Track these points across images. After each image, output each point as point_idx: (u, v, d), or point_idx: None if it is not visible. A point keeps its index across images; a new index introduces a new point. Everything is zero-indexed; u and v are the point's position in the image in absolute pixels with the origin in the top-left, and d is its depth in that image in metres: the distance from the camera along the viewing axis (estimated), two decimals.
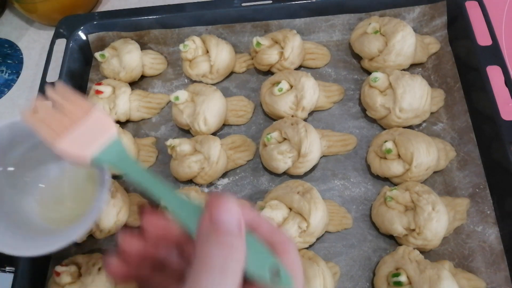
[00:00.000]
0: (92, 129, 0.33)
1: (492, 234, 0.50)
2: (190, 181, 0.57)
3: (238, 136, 0.60)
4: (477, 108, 0.56)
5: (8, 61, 0.75)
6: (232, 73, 0.66)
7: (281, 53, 0.61)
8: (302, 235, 0.49)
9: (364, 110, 0.60)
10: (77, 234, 0.35)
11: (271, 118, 0.61)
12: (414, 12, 0.64)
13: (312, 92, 0.58)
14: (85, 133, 0.32)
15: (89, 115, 0.33)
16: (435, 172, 0.54)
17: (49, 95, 0.33)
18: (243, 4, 0.65)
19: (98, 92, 0.61)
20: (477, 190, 0.53)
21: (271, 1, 0.65)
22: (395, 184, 0.54)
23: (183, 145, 0.55)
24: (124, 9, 0.68)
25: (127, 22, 0.67)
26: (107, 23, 0.67)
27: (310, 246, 0.51)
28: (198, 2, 0.66)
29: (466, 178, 0.54)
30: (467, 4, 0.60)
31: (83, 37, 0.67)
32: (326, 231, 0.52)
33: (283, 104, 0.58)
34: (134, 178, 0.31)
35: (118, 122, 0.63)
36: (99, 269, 0.50)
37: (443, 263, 0.47)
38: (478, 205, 0.52)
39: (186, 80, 0.67)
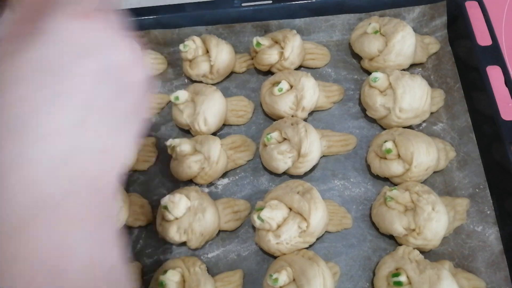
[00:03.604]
0: None
1: (492, 234, 0.50)
2: (190, 181, 0.57)
3: (238, 136, 0.60)
4: (477, 108, 0.56)
5: None
6: (232, 73, 0.66)
7: (281, 53, 0.61)
8: (302, 235, 0.49)
9: (364, 110, 0.60)
10: None
11: (271, 118, 0.61)
12: (414, 12, 0.64)
13: (312, 92, 0.58)
14: None
15: None
16: (435, 172, 0.54)
17: None
18: (243, 4, 0.65)
19: None
20: (477, 190, 0.53)
21: (271, 1, 0.65)
22: (395, 184, 0.54)
23: (183, 145, 0.55)
24: (124, 9, 0.68)
25: (127, 22, 0.67)
26: None
27: (310, 246, 0.51)
28: (198, 2, 0.66)
29: (466, 178, 0.54)
30: (467, 4, 0.60)
31: None
32: (326, 231, 0.52)
33: (283, 104, 0.58)
34: None
35: None
36: None
37: (443, 263, 0.47)
38: (478, 205, 0.52)
39: (186, 80, 0.66)
